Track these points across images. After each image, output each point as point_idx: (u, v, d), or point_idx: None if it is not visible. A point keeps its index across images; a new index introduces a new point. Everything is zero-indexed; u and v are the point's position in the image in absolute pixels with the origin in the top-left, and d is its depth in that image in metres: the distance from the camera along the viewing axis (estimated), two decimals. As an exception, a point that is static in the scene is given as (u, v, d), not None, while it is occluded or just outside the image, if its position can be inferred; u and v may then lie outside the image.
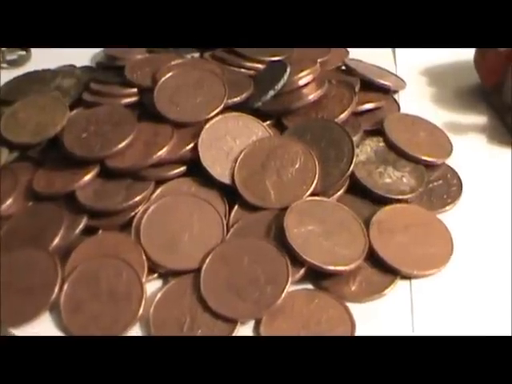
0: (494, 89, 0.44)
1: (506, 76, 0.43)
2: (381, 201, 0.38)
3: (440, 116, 0.44)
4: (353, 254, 0.35)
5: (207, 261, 0.35)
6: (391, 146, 0.40)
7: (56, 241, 0.36)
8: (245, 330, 0.33)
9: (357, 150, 0.39)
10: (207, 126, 0.40)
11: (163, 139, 0.39)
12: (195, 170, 0.39)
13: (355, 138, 0.40)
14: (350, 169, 0.38)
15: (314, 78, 0.42)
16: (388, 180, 0.39)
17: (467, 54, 0.46)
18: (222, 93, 0.41)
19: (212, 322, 0.33)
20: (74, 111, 0.42)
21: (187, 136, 0.39)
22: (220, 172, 0.38)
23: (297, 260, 0.34)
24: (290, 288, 0.34)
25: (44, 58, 0.49)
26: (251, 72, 0.44)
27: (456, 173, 0.40)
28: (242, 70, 0.44)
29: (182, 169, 0.39)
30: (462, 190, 0.39)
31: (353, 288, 0.34)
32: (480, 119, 0.44)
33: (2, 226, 0.37)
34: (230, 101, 0.41)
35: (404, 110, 0.44)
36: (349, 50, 0.48)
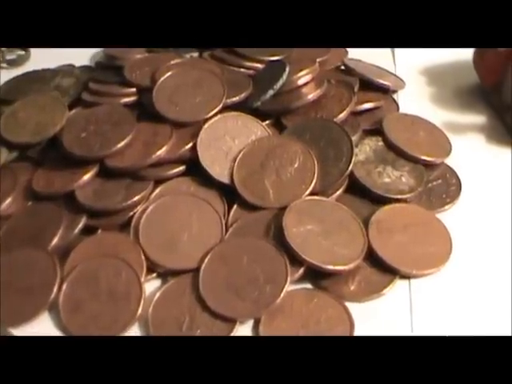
0: (493, 88, 0.44)
1: (505, 76, 0.43)
2: (380, 200, 0.38)
3: (439, 116, 0.44)
4: (352, 253, 0.35)
5: (206, 260, 0.35)
6: (390, 145, 0.40)
7: (55, 240, 0.36)
8: (244, 329, 0.33)
9: (356, 150, 0.39)
10: (206, 125, 0.40)
11: (162, 139, 0.39)
12: (194, 169, 0.39)
13: (354, 138, 0.40)
14: (349, 168, 0.38)
15: (313, 78, 0.42)
16: (387, 179, 0.39)
17: (466, 54, 0.46)
18: (221, 92, 0.41)
19: (211, 321, 0.33)
20: (74, 111, 0.42)
21: (186, 136, 0.39)
22: (219, 171, 0.38)
23: (296, 259, 0.34)
24: (289, 287, 0.34)
25: (43, 58, 0.49)
26: (250, 72, 0.44)
27: (455, 172, 0.40)
28: (241, 70, 0.44)
29: (181, 168, 0.39)
30: (460, 189, 0.39)
31: (352, 287, 0.34)
32: (479, 119, 0.44)
33: (2, 226, 0.37)
34: (229, 100, 0.41)
35: (403, 109, 0.44)
36: (348, 49, 0.48)
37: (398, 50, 0.50)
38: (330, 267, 0.34)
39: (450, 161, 0.41)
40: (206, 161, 0.38)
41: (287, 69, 0.42)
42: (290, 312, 0.33)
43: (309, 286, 0.35)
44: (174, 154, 0.39)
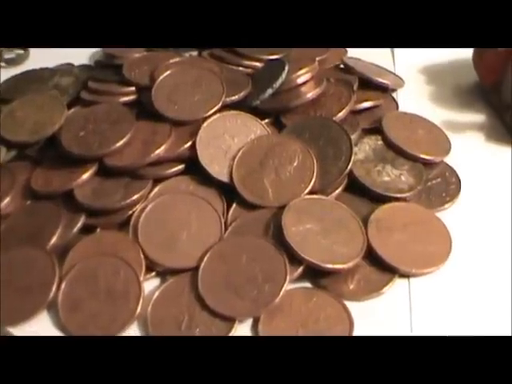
0: (492, 87, 0.44)
1: (504, 74, 0.43)
2: (379, 199, 0.38)
3: (438, 114, 0.44)
4: (351, 252, 0.35)
5: (205, 259, 0.35)
6: (389, 144, 0.40)
7: (54, 239, 0.36)
8: (243, 328, 0.33)
9: (355, 149, 0.39)
10: (205, 124, 0.40)
11: (161, 137, 0.39)
12: (193, 168, 0.39)
13: (353, 137, 0.40)
14: (349, 167, 0.38)
15: (313, 77, 0.42)
16: (386, 178, 0.39)
17: (466, 53, 0.46)
18: (220, 91, 0.41)
19: (210, 320, 0.33)
20: (72, 110, 0.42)
21: (185, 134, 0.39)
22: (218, 170, 0.38)
23: (295, 258, 0.34)
24: (288, 286, 0.33)
25: (42, 57, 0.49)
26: (249, 70, 0.44)
27: (454, 171, 0.40)
28: (241, 69, 0.44)
29: (180, 167, 0.39)
30: (460, 188, 0.39)
31: (351, 286, 0.34)
32: (478, 117, 0.44)
33: (0, 225, 0.37)
34: (228, 99, 0.41)
35: (402, 108, 0.44)
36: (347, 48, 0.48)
37: (397, 49, 0.50)
38: (329, 266, 0.34)
39: (449, 159, 0.41)
40: (205, 159, 0.38)
41: (286, 67, 0.42)
42: (289, 311, 0.33)
43: (308, 284, 0.35)
44: (172, 152, 0.39)
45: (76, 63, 0.48)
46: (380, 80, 0.44)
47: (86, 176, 0.38)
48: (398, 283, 0.35)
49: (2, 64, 0.50)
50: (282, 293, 0.33)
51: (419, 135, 0.42)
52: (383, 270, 0.35)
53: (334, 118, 0.40)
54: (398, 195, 0.38)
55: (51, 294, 0.34)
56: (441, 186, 0.39)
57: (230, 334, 0.32)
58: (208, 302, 0.33)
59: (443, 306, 0.34)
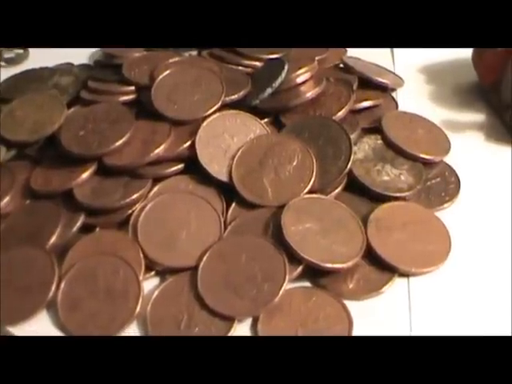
0: (491, 87, 0.44)
1: (503, 74, 0.43)
2: (379, 198, 0.38)
3: (438, 114, 0.44)
4: (350, 251, 0.35)
5: (204, 258, 0.35)
6: (389, 143, 0.40)
7: (53, 239, 0.36)
8: (242, 327, 0.33)
9: (355, 148, 0.39)
10: (205, 123, 0.40)
11: (161, 137, 0.39)
12: (193, 167, 0.39)
13: (353, 136, 0.40)
14: (348, 166, 0.38)
15: (312, 76, 0.42)
16: (386, 178, 0.39)
17: (465, 53, 0.46)
18: (219, 90, 0.41)
19: (209, 319, 0.33)
20: (72, 109, 0.42)
21: (185, 134, 0.39)
22: (217, 170, 0.38)
23: (294, 258, 0.34)
24: (287, 286, 0.33)
25: (42, 56, 0.49)
26: (249, 70, 0.44)
27: (454, 170, 0.40)
28: (240, 68, 0.44)
29: (180, 166, 0.39)
30: (459, 187, 0.39)
31: (350, 286, 0.34)
32: (478, 117, 0.44)
33: (0, 225, 0.37)
34: (227, 98, 0.41)
35: (402, 107, 0.44)
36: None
37: (397, 49, 0.50)
38: (329, 265, 0.34)
39: (448, 159, 0.41)
40: (205, 159, 0.38)
41: (286, 67, 0.42)
42: (289, 310, 0.33)
43: (307, 284, 0.35)
44: (172, 152, 0.39)
45: (76, 63, 0.48)
46: (380, 79, 0.44)
47: (85, 175, 0.38)
48: (398, 282, 0.35)
49: (2, 63, 0.50)
50: (281, 292, 0.33)
51: (419, 135, 0.42)
52: (382, 270, 0.35)
53: (333, 118, 0.40)
54: (398, 194, 0.38)
55: (51, 294, 0.34)
56: (440, 185, 0.39)
57: (230, 334, 0.32)
58: (207, 301, 0.33)
59: (443, 305, 0.34)
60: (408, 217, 0.37)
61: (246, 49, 0.44)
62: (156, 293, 0.34)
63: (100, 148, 0.38)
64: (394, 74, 0.47)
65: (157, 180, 0.38)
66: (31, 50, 0.51)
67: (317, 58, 0.44)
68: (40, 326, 0.33)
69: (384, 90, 0.44)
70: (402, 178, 0.39)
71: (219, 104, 0.40)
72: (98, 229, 0.37)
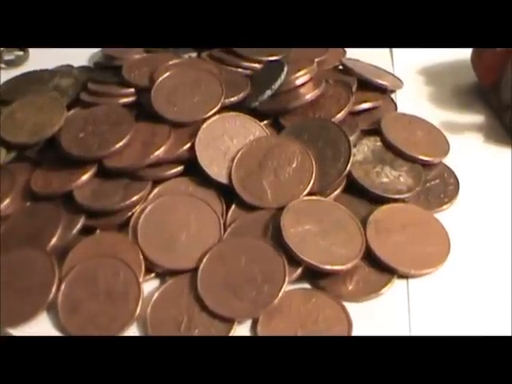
0: (491, 88, 0.44)
1: (503, 75, 0.43)
2: (378, 200, 0.38)
3: (437, 115, 0.44)
4: (350, 253, 0.35)
5: (204, 260, 0.35)
6: (388, 145, 0.40)
7: (53, 241, 0.36)
8: (242, 329, 0.33)
9: (354, 150, 0.39)
10: (204, 125, 0.40)
11: (160, 139, 0.39)
12: (192, 169, 0.39)
13: (352, 138, 0.40)
14: (347, 168, 0.38)
15: (311, 78, 0.42)
16: (385, 179, 0.39)
17: (464, 53, 0.46)
18: (219, 92, 0.41)
19: (209, 321, 0.33)
20: (72, 111, 0.42)
21: (184, 136, 0.39)
22: (217, 172, 0.38)
23: (294, 259, 0.34)
24: (287, 287, 0.34)
25: (42, 58, 0.49)
26: (248, 72, 0.44)
27: (453, 172, 0.40)
28: (240, 70, 0.44)
29: (180, 168, 0.39)
30: (459, 189, 0.39)
31: (350, 287, 0.34)
32: (477, 118, 0.44)
33: (0, 226, 0.37)
34: (227, 100, 0.41)
35: (401, 109, 0.44)
36: (346, 49, 0.48)
37: (396, 50, 0.50)
38: (328, 267, 0.34)
39: (448, 160, 0.41)
40: (205, 161, 0.38)
41: (285, 69, 0.42)
42: (288, 312, 0.33)
43: (307, 285, 0.35)
44: (172, 154, 0.39)
45: (75, 65, 0.48)
46: (379, 81, 0.44)
47: (85, 177, 0.38)
48: (397, 284, 0.35)
49: (2, 65, 0.50)
50: (280, 294, 0.33)
51: (418, 136, 0.42)
52: (382, 271, 0.35)
53: (332, 120, 0.40)
54: (397, 196, 0.38)
55: (51, 295, 0.34)
56: (439, 187, 0.39)
57: (229, 335, 0.32)
58: (207, 303, 0.33)
59: (442, 306, 0.34)
60: (407, 218, 0.37)
61: (245, 51, 0.45)
62: (156, 295, 0.34)
63: (100, 150, 0.38)
64: (393, 75, 0.47)
65: (157, 182, 0.38)
66: (31, 52, 0.51)
67: (316, 60, 0.44)
68: (40, 327, 0.33)
69: (383, 91, 0.44)
70: (401, 179, 0.39)
71: (219, 106, 0.40)
72: (98, 231, 0.37)
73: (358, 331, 0.32)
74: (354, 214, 0.37)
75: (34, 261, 0.35)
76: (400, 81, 0.47)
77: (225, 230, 0.36)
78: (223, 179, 0.38)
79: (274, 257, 0.34)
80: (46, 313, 0.34)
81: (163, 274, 0.35)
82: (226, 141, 0.39)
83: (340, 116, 0.41)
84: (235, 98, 0.41)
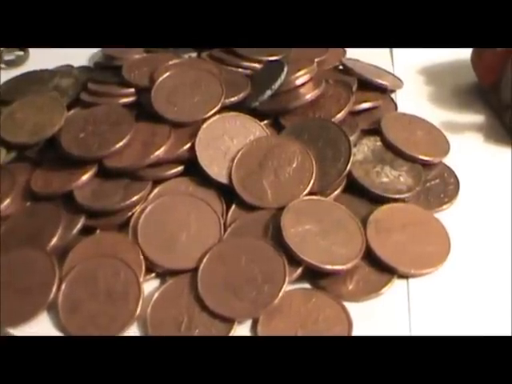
0: (491, 87, 0.44)
1: (503, 75, 0.43)
2: (378, 200, 0.38)
3: (437, 115, 0.44)
4: (350, 253, 0.35)
5: (204, 260, 0.35)
6: (388, 145, 0.40)
7: (54, 241, 0.36)
8: (242, 329, 0.33)
9: (354, 150, 0.39)
10: (204, 125, 0.40)
11: (161, 139, 0.39)
12: (193, 169, 0.39)
13: (352, 138, 0.40)
14: (347, 168, 0.38)
15: (311, 78, 0.42)
16: (385, 179, 0.39)
17: (464, 53, 0.46)
18: (219, 92, 0.41)
19: (209, 321, 0.33)
20: (72, 111, 0.42)
21: (185, 136, 0.39)
22: (217, 172, 0.38)
23: (294, 259, 0.34)
24: (287, 287, 0.34)
25: (42, 58, 0.49)
26: (248, 72, 0.44)
27: (453, 172, 0.40)
28: (240, 70, 0.44)
29: (180, 168, 0.39)
30: (459, 188, 0.39)
31: (350, 287, 0.34)
32: (477, 118, 0.44)
33: (0, 226, 0.37)
34: (227, 100, 0.41)
35: (401, 109, 0.44)
36: (346, 49, 0.48)
37: (396, 50, 0.50)
38: (328, 267, 0.34)
39: (448, 160, 0.41)
40: (205, 161, 0.38)
41: (285, 69, 0.42)
42: (289, 312, 0.33)
43: (307, 285, 0.35)
44: (172, 154, 0.39)
45: (75, 65, 0.48)
46: (379, 81, 0.44)
47: (85, 177, 0.38)
48: (397, 284, 0.35)
49: (2, 65, 0.50)
50: (281, 294, 0.33)
51: (418, 136, 0.42)
52: (382, 271, 0.35)
53: (332, 120, 0.40)
54: (397, 196, 0.38)
55: (51, 295, 0.34)
56: (439, 186, 0.39)
57: (230, 335, 0.32)
58: (207, 303, 0.33)
59: (442, 306, 0.34)
60: (407, 218, 0.37)
61: (245, 51, 0.45)
62: (156, 295, 0.34)
63: (100, 150, 0.38)
64: (393, 75, 0.47)
65: (157, 182, 0.38)
66: (31, 52, 0.51)
67: (316, 60, 0.44)
68: (40, 327, 0.33)
69: (383, 91, 0.44)
70: (401, 179, 0.39)
71: (219, 106, 0.40)
72: (98, 231, 0.37)
73: (358, 331, 0.32)
74: (354, 214, 0.37)
75: (34, 261, 0.35)
76: (400, 81, 0.47)
77: (225, 230, 0.36)
78: (223, 179, 0.38)
79: (274, 257, 0.34)
80: (46, 313, 0.34)
81: (163, 274, 0.35)
82: (226, 141, 0.39)
83: (340, 116, 0.41)
84: (235, 98, 0.41)
